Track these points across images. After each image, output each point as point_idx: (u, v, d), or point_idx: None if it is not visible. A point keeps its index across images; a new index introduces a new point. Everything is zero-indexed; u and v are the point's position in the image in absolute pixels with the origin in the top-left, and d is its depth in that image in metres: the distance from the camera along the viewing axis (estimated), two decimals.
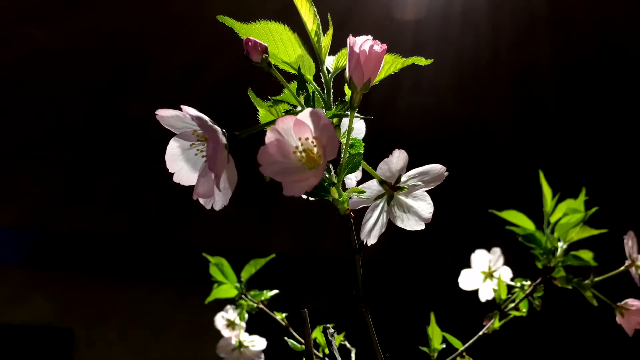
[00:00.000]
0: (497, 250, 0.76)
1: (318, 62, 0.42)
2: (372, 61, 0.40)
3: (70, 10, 1.69)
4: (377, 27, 1.73)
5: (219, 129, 0.39)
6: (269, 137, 0.37)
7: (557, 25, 1.82)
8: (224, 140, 0.38)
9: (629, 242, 0.62)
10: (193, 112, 0.39)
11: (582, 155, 2.37)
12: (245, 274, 0.77)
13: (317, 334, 0.70)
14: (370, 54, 0.39)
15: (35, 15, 1.71)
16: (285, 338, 0.71)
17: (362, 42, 0.39)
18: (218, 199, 0.40)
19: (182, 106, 0.39)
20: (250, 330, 0.81)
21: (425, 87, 2.00)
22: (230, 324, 0.80)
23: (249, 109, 0.46)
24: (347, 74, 0.40)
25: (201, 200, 0.40)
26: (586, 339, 2.49)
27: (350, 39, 0.40)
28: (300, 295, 1.95)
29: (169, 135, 0.42)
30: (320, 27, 0.41)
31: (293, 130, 0.37)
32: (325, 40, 0.42)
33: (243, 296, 0.77)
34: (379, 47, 0.40)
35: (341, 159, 0.40)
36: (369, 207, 0.44)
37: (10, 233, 2.34)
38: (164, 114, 0.40)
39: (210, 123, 0.38)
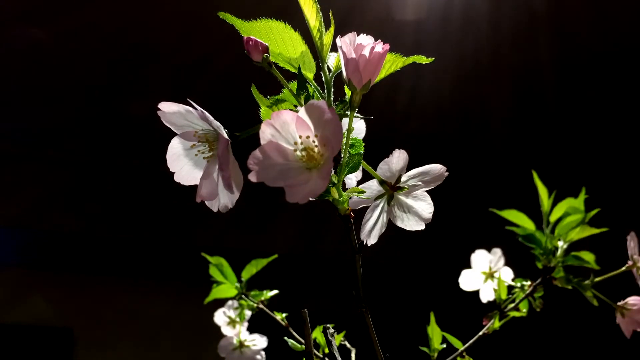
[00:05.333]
0: (497, 251, 0.76)
1: (319, 60, 0.42)
2: (373, 63, 0.39)
3: (70, 9, 1.69)
4: (378, 26, 1.73)
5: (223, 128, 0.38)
6: (264, 131, 0.36)
7: (557, 25, 1.82)
8: (228, 139, 0.38)
9: (631, 243, 0.61)
10: (200, 110, 0.38)
11: (582, 155, 2.37)
12: (245, 274, 0.77)
13: (317, 334, 0.70)
14: (371, 56, 0.39)
15: (34, 13, 1.71)
16: (285, 338, 0.71)
17: (364, 47, 0.39)
18: (223, 201, 0.40)
19: (188, 99, 0.39)
20: (250, 328, 0.81)
21: (426, 87, 2.00)
22: (232, 322, 0.80)
23: (249, 110, 0.46)
24: (344, 76, 0.40)
25: (207, 203, 0.40)
26: (586, 339, 2.49)
27: (343, 44, 0.39)
28: (300, 295, 1.95)
29: (170, 134, 0.41)
30: (323, 24, 0.41)
31: (292, 127, 0.36)
32: (327, 38, 0.41)
33: (243, 296, 0.77)
34: (380, 48, 0.39)
35: (341, 159, 0.40)
36: (369, 207, 0.44)
37: (10, 233, 2.33)
38: (167, 110, 0.40)
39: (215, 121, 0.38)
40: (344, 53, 0.39)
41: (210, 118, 0.38)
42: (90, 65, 1.90)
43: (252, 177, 0.35)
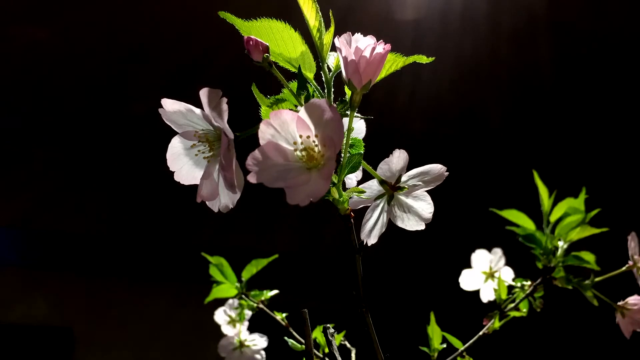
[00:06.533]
0: (498, 251, 0.76)
1: (319, 60, 0.41)
2: (374, 64, 0.39)
3: (69, 9, 1.69)
4: (378, 26, 1.73)
5: None
6: (264, 131, 0.35)
7: (556, 25, 1.82)
8: (231, 138, 0.38)
9: (632, 244, 0.61)
10: (206, 108, 0.38)
11: (582, 155, 2.37)
12: (246, 274, 0.77)
13: (317, 334, 0.70)
14: (372, 57, 0.38)
15: (34, 12, 1.71)
16: (285, 338, 0.71)
17: (364, 47, 0.39)
18: (224, 201, 0.40)
19: (202, 89, 0.38)
20: (250, 328, 0.81)
21: (425, 86, 2.00)
22: (232, 321, 0.81)
23: (249, 110, 0.45)
24: (344, 76, 0.40)
25: (208, 203, 0.40)
26: (586, 339, 2.49)
27: (341, 45, 0.38)
28: (300, 295, 1.95)
29: (170, 134, 0.41)
30: (323, 24, 0.41)
31: (292, 126, 0.35)
32: (327, 38, 0.41)
33: (243, 296, 0.77)
34: (381, 48, 0.39)
35: (341, 159, 0.40)
36: (369, 207, 0.44)
37: (10, 232, 2.34)
38: (168, 108, 0.40)
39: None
40: (342, 54, 0.39)
41: (220, 115, 0.37)
42: (90, 64, 1.90)
43: (252, 179, 0.35)
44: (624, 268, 0.62)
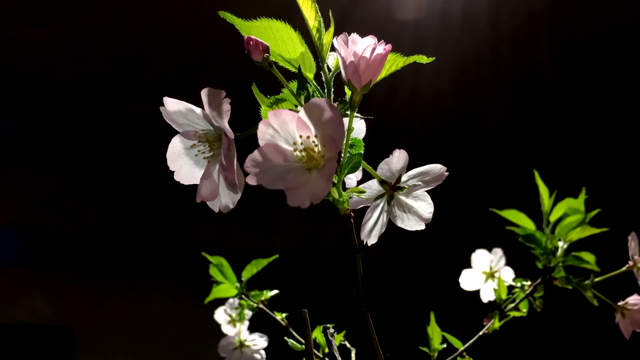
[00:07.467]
0: (498, 251, 0.76)
1: (319, 60, 0.41)
2: (374, 65, 0.39)
3: (69, 9, 1.69)
4: (378, 26, 1.73)
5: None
6: (263, 131, 0.35)
7: (556, 24, 1.82)
8: (232, 138, 0.38)
9: (632, 244, 0.61)
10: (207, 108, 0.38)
11: (582, 155, 2.37)
12: (246, 274, 0.77)
13: (317, 334, 0.70)
14: (372, 58, 0.38)
15: (34, 12, 1.71)
16: (285, 338, 0.71)
17: (364, 48, 0.39)
18: (224, 201, 0.40)
19: (204, 89, 0.37)
20: (250, 328, 0.81)
21: (426, 86, 2.00)
22: (232, 321, 0.81)
23: (249, 110, 0.45)
24: (344, 77, 0.40)
25: (209, 203, 0.40)
26: (586, 339, 2.49)
27: (339, 46, 0.38)
28: (300, 295, 1.95)
29: (169, 134, 0.41)
30: (322, 24, 0.41)
31: (291, 126, 0.35)
32: (327, 38, 0.41)
33: (243, 296, 0.77)
34: (382, 49, 0.39)
35: (341, 159, 0.40)
36: (369, 207, 0.44)
37: (10, 233, 2.33)
38: (169, 107, 0.40)
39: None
40: (341, 55, 0.39)
41: (220, 115, 0.37)
42: (90, 65, 1.90)
43: (251, 181, 0.35)
44: (624, 268, 0.62)
